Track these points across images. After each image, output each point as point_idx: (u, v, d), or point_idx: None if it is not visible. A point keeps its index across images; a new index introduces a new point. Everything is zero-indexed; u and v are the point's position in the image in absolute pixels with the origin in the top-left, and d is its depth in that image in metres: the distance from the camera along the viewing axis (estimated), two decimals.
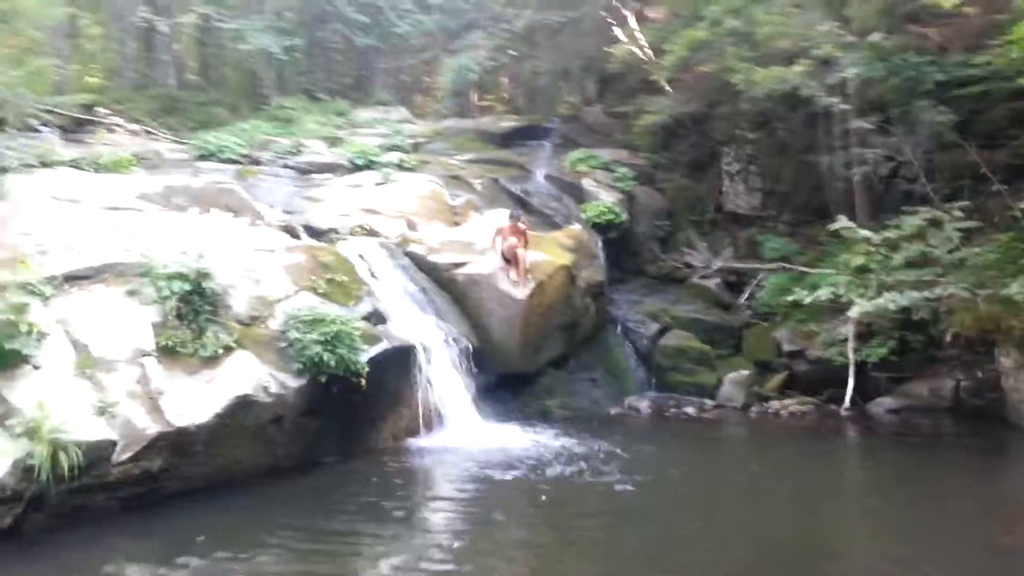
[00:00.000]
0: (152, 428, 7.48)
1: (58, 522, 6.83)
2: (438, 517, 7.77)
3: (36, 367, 7.44)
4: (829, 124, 15.52)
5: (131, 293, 8.73)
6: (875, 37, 12.21)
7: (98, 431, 7.14)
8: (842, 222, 11.95)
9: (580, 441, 10.16)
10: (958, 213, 11.47)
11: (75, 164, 12.46)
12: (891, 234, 11.60)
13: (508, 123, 22.84)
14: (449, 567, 6.32)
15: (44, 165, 11.74)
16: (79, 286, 8.69)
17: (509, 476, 8.66)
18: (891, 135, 13.81)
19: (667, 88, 18.37)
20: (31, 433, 6.72)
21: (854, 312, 11.67)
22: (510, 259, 12.00)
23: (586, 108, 24.06)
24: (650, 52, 19.37)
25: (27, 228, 9.39)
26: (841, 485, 9.25)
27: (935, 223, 11.61)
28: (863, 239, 11.74)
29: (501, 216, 13.43)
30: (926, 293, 11.01)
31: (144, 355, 8.15)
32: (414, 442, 10.15)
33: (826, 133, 15.71)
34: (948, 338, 11.36)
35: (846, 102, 13.51)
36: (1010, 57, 10.87)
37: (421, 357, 10.47)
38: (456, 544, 6.87)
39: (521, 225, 12.44)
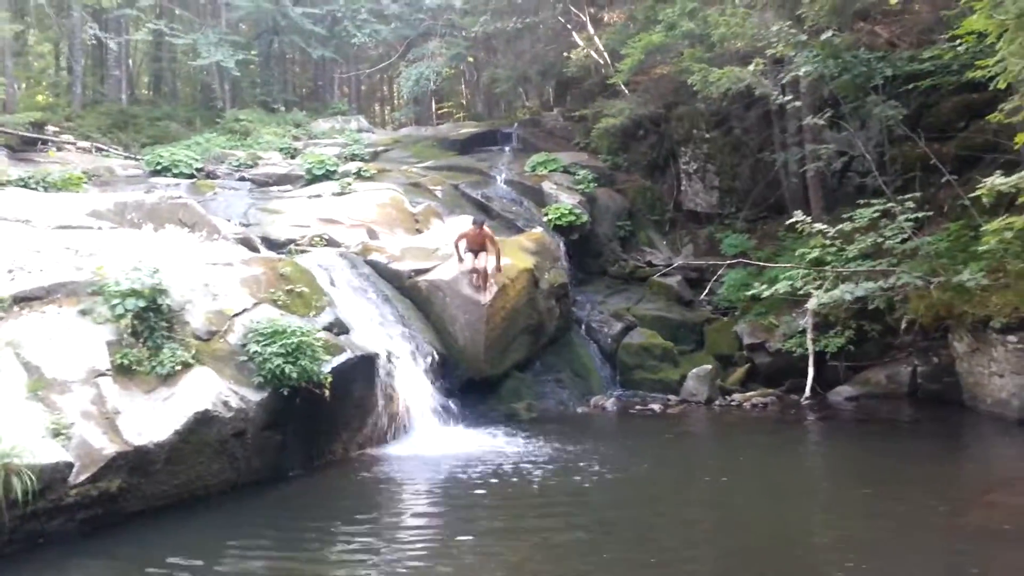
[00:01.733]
0: (109, 448, 7.32)
1: (14, 548, 6.63)
2: (406, 525, 7.71)
3: None
4: (783, 121, 15.81)
5: (84, 312, 8.54)
6: (826, 35, 12.45)
7: (53, 454, 6.95)
8: (798, 216, 12.14)
9: (548, 442, 10.17)
10: (910, 204, 11.71)
11: (24, 183, 12.21)
12: (845, 227, 11.81)
13: (467, 129, 22.90)
14: (417, 571, 6.27)
15: None
16: (30, 307, 8.49)
17: (477, 480, 8.63)
18: (843, 130, 14.09)
19: (625, 91, 18.56)
20: None
21: (811, 304, 11.87)
22: (475, 267, 11.94)
23: (545, 112, 24.23)
24: (607, 56, 19.56)
25: None
26: (803, 473, 9.37)
27: (888, 214, 11.85)
28: (818, 232, 11.95)
29: (464, 222, 13.41)
30: (881, 283, 11.23)
31: (99, 375, 7.97)
32: (381, 451, 10.08)
33: (780, 130, 16.00)
34: (903, 326, 11.60)
35: (799, 99, 13.76)
36: (957, 51, 11.13)
37: (385, 366, 10.40)
38: (423, 550, 6.82)
39: (486, 229, 12.35)
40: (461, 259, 12.14)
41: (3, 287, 8.54)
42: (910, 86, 12.80)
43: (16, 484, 6.47)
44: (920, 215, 11.68)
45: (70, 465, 7.02)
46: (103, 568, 6.54)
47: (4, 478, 6.43)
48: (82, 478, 7.05)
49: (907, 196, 12.01)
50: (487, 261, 11.97)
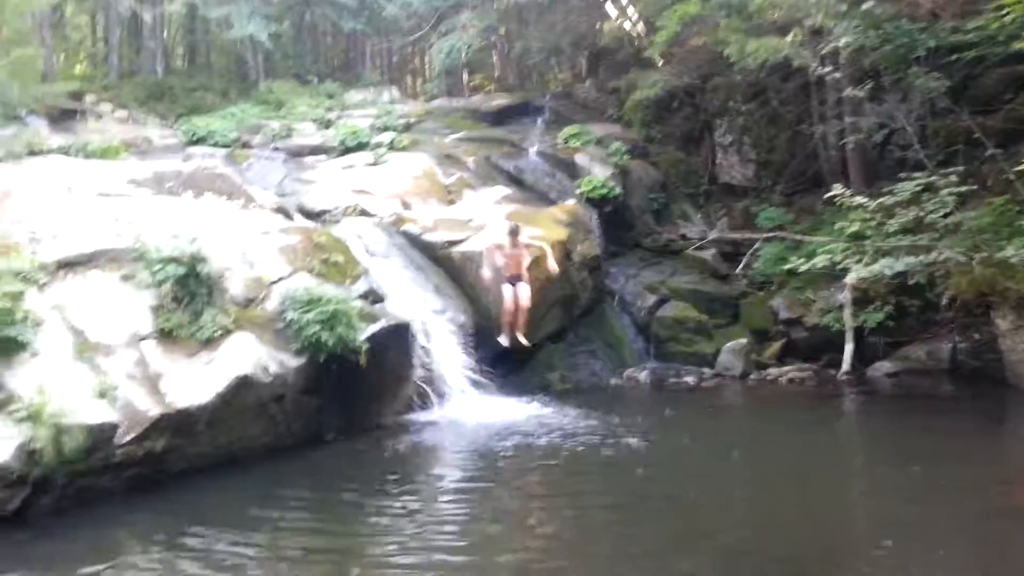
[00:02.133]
0: (154, 410, 7.48)
1: (65, 504, 6.84)
2: (441, 489, 7.81)
3: (34, 353, 7.42)
4: (822, 93, 15.50)
5: (126, 278, 8.70)
6: (867, 5, 12.13)
7: (99, 414, 7.14)
8: (837, 190, 11.94)
9: (581, 412, 10.20)
10: (952, 178, 11.44)
11: (64, 152, 12.38)
12: (886, 200, 11.59)
13: (499, 101, 22.73)
14: (452, 538, 6.35)
15: (33, 154, 11.66)
16: (73, 272, 8.66)
17: (509, 448, 8.70)
18: (884, 102, 13.77)
19: (659, 62, 18.29)
20: (33, 418, 6.72)
21: (850, 278, 11.69)
22: (515, 305, 10.93)
23: (577, 84, 23.97)
24: (641, 27, 19.27)
25: (18, 216, 9.34)
26: (840, 448, 9.30)
27: (930, 188, 11.61)
28: (858, 206, 11.74)
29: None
30: (922, 258, 11.02)
31: (142, 339, 8.14)
32: (415, 417, 10.18)
33: (819, 102, 15.70)
34: (944, 302, 11.41)
35: (839, 71, 13.47)
36: (1003, 22, 10.80)
37: (419, 334, 10.47)
38: (459, 515, 6.91)
39: (522, 239, 11.27)
40: (495, 271, 11.16)
41: (48, 252, 8.71)
42: (953, 57, 12.44)
43: (66, 442, 6.66)
44: (963, 189, 11.41)
45: (116, 425, 7.20)
46: (150, 524, 6.71)
47: (55, 436, 6.61)
48: (128, 438, 7.23)
49: (950, 170, 11.74)
50: (525, 295, 10.97)
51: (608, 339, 13.66)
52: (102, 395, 7.34)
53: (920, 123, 13.66)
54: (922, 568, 5.61)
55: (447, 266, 12.28)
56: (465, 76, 29.47)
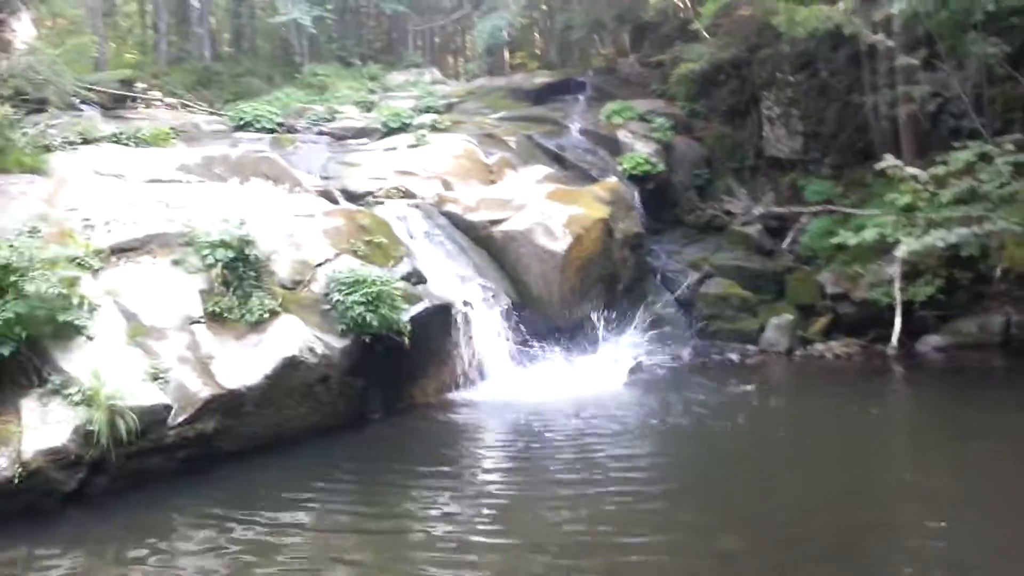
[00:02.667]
0: (204, 391, 7.70)
1: (120, 484, 7.10)
2: (482, 469, 7.92)
3: (89, 337, 7.68)
4: (874, 62, 15.02)
5: (176, 262, 8.94)
6: None
7: (152, 396, 7.38)
8: (888, 161, 11.61)
9: (623, 390, 10.18)
10: (1009, 147, 11.05)
11: (116, 139, 12.70)
12: (939, 171, 11.25)
13: (541, 79, 22.55)
14: (497, 513, 6.44)
15: (86, 141, 11.99)
16: (126, 258, 8.93)
17: (552, 428, 8.76)
18: (939, 70, 13.32)
19: (705, 35, 17.93)
20: (89, 400, 6.97)
21: (901, 251, 11.40)
22: None
23: (620, 59, 23.65)
24: None
25: (73, 203, 9.66)
26: (889, 424, 9.13)
27: (985, 158, 11.22)
28: (910, 177, 11.42)
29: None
30: (975, 229, 10.70)
31: (193, 322, 8.37)
32: (458, 396, 10.30)
33: (870, 72, 15.22)
34: (998, 274, 11.08)
35: (891, 39, 13.05)
36: None
37: (462, 314, 10.56)
38: (504, 492, 7.00)
39: None
40: None
41: (101, 238, 8.99)
42: (1014, 21, 11.97)
43: (120, 424, 6.90)
44: (1020, 158, 11.01)
45: (168, 407, 7.43)
46: (201, 504, 6.92)
47: (110, 418, 6.86)
48: (180, 419, 7.46)
49: (1006, 137, 11.33)
50: None
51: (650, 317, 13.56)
52: (155, 378, 7.58)
53: (976, 91, 13.17)
54: (974, 544, 5.53)
55: (489, 246, 12.32)
56: (507, 54, 29.32)
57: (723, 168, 17.37)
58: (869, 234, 11.70)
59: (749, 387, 10.46)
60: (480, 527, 6.09)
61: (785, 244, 14.41)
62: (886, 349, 11.90)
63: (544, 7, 27.16)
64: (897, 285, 12.00)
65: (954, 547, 5.51)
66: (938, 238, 10.86)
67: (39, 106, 13.81)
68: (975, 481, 6.66)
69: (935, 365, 11.25)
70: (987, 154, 11.18)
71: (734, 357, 12.38)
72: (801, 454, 7.87)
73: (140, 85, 19.24)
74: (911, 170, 11.49)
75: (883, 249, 12.09)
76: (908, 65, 12.56)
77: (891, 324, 11.98)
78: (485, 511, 6.52)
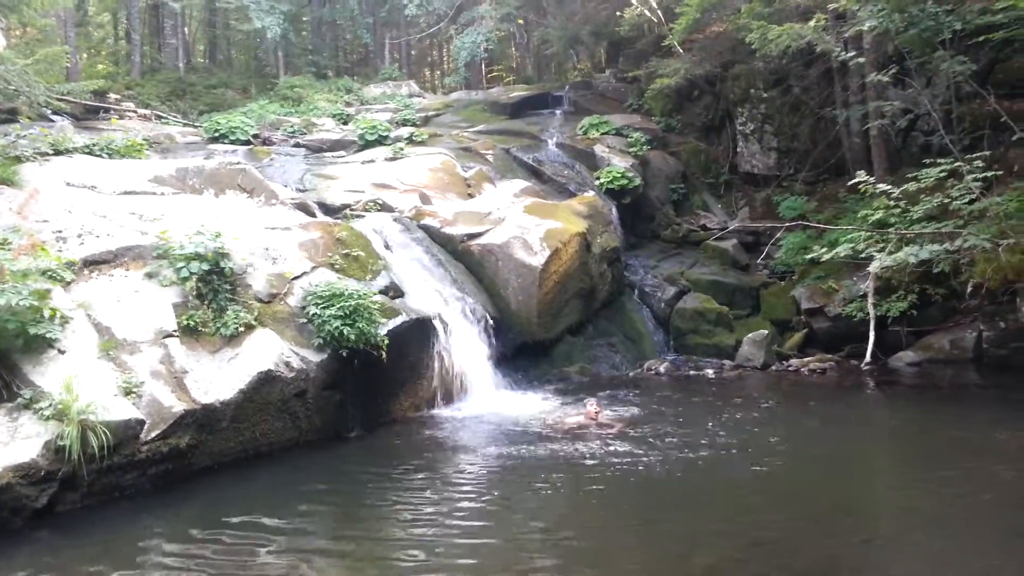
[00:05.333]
0: (178, 406, 7.58)
1: (92, 500, 6.95)
2: (461, 484, 7.81)
3: (61, 351, 7.53)
4: (845, 79, 15.30)
5: (150, 275, 8.81)
6: None
7: (125, 411, 7.24)
8: (860, 177, 11.80)
9: (600, 406, 10.15)
10: (978, 163, 11.25)
11: (89, 150, 12.51)
12: (910, 187, 11.43)
13: (518, 93, 22.72)
14: (475, 532, 6.39)
15: (58, 152, 11.79)
16: (99, 270, 8.78)
17: (530, 442, 8.71)
18: (909, 87, 13.59)
19: (679, 51, 18.15)
20: (60, 415, 6.83)
21: (874, 267, 11.57)
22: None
23: (597, 74, 23.91)
24: (661, 14, 19.12)
25: (45, 215, 9.48)
26: (864, 439, 9.18)
27: (955, 174, 11.43)
28: (882, 193, 11.60)
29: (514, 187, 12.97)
30: (946, 245, 10.89)
31: (167, 335, 8.24)
32: (437, 412, 10.24)
33: (842, 88, 15.51)
34: (969, 289, 11.25)
35: (862, 56, 13.30)
36: None
37: (440, 328, 10.51)
38: (483, 510, 6.93)
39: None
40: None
41: (74, 250, 8.84)
42: (980, 39, 12.23)
43: (92, 440, 6.76)
44: (989, 174, 11.21)
45: (141, 422, 7.30)
46: (174, 521, 6.79)
47: (81, 433, 6.72)
48: (153, 435, 7.33)
49: (975, 155, 11.55)
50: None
51: (628, 332, 13.63)
52: (128, 392, 7.45)
53: (945, 108, 13.45)
54: (948, 559, 5.57)
55: (467, 259, 12.30)
56: (484, 68, 29.44)
57: (699, 183, 17.57)
58: (842, 249, 11.86)
59: (769, 403, 10.46)
60: (454, 546, 6.01)
61: (760, 259, 14.56)
62: (860, 365, 12.04)
63: (521, 22, 27.33)
64: (870, 300, 12.17)
65: (925, 559, 5.56)
66: (910, 254, 11.03)
67: (9, 116, 13.62)
68: (948, 498, 6.69)
69: (908, 381, 11.38)
70: (957, 171, 11.39)
71: (710, 372, 12.44)
72: (774, 468, 7.82)
73: (113, 96, 19.08)
74: (883, 186, 11.67)
75: (857, 264, 12.26)
76: (879, 82, 12.79)
77: (865, 339, 12.14)
78: (462, 526, 6.45)
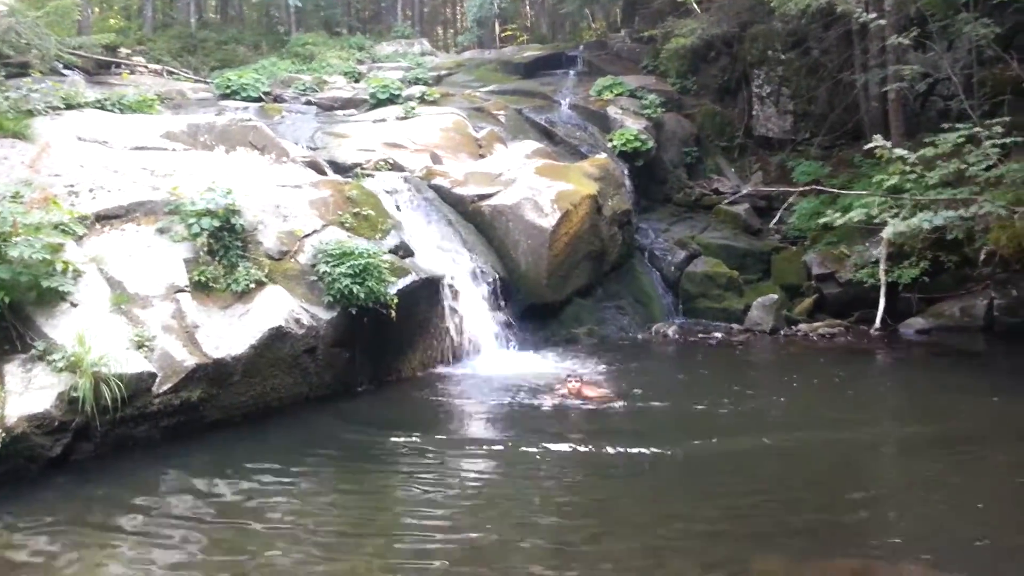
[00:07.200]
0: (190, 360, 7.66)
1: (105, 451, 7.07)
2: (466, 440, 7.92)
3: (74, 304, 7.59)
4: (865, 41, 15.04)
5: (161, 231, 8.84)
6: None
7: (137, 364, 7.32)
8: (877, 141, 11.64)
9: (609, 367, 10.23)
10: (997, 129, 11.07)
11: (100, 105, 12.50)
12: (927, 152, 11.29)
13: (531, 52, 22.44)
14: (481, 486, 6.47)
15: (70, 107, 11.79)
16: (110, 225, 8.82)
17: (536, 401, 8.79)
18: (929, 51, 13.33)
19: (696, 10, 17.85)
20: (73, 367, 6.91)
21: (887, 232, 11.47)
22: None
23: (612, 34, 23.56)
24: None
25: (56, 169, 9.50)
26: (870, 405, 9.18)
27: (973, 140, 11.26)
28: (898, 158, 11.45)
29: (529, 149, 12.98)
30: (961, 212, 10.76)
31: (178, 291, 8.29)
32: (445, 370, 10.32)
33: (862, 51, 15.25)
34: (983, 257, 11.18)
35: (883, 17, 13.03)
36: None
37: (449, 288, 10.55)
38: (488, 464, 7.03)
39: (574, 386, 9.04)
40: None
41: (86, 205, 8.87)
42: (1005, 2, 11.98)
43: (105, 391, 6.86)
44: (1008, 141, 11.05)
45: (153, 375, 7.39)
46: (185, 472, 6.89)
47: (94, 385, 6.81)
48: (165, 388, 7.42)
49: (995, 120, 11.37)
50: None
51: (637, 295, 13.63)
52: (140, 346, 7.52)
53: (966, 72, 13.22)
54: (949, 519, 5.62)
55: (477, 220, 12.28)
56: (497, 27, 29.07)
57: (712, 146, 17.40)
58: (856, 214, 11.74)
59: (775, 367, 10.36)
60: (463, 505, 6.10)
61: (773, 223, 14.47)
62: (870, 331, 12.02)
63: None
64: (882, 266, 12.11)
65: (928, 520, 5.62)
66: (924, 220, 10.92)
67: (21, 70, 13.58)
68: (952, 465, 6.71)
69: (918, 348, 11.36)
70: (975, 136, 11.22)
71: (718, 335, 12.46)
72: (779, 432, 7.84)
73: (124, 51, 18.96)
74: (899, 151, 11.52)
75: (869, 230, 12.17)
76: (899, 45, 12.56)
77: (876, 305, 12.10)
78: (468, 481, 6.54)
